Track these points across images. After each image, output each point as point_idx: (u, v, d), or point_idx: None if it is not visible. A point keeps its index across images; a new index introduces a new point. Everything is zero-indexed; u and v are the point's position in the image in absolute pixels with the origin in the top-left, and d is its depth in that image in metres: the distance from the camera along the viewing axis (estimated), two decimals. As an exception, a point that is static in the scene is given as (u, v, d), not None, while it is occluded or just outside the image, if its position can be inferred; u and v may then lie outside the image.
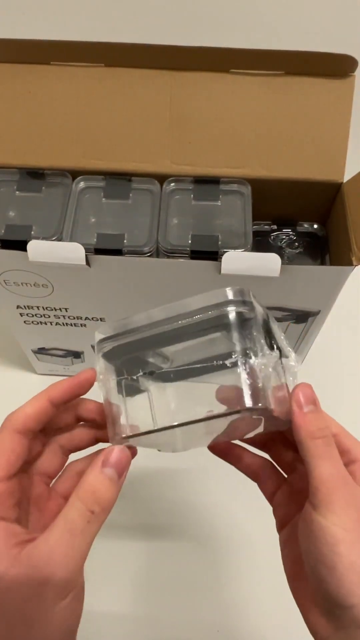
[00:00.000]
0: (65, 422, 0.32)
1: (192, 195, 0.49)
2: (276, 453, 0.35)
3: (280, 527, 0.33)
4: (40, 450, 0.32)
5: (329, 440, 0.28)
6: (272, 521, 0.34)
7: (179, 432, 0.29)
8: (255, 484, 0.36)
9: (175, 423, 0.28)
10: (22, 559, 0.24)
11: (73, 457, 0.34)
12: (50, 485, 0.32)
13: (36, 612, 0.25)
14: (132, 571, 0.54)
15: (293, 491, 0.33)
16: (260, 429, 0.31)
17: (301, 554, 0.29)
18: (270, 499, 0.35)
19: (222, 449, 0.35)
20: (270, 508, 0.35)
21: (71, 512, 0.25)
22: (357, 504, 0.27)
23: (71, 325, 0.54)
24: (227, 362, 0.28)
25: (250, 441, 0.35)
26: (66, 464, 0.33)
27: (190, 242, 0.47)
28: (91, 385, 0.31)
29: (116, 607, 0.52)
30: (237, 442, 0.35)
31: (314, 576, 0.27)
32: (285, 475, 0.35)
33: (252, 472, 0.35)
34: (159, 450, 0.34)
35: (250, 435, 0.32)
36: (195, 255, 0.46)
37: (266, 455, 0.36)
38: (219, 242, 0.46)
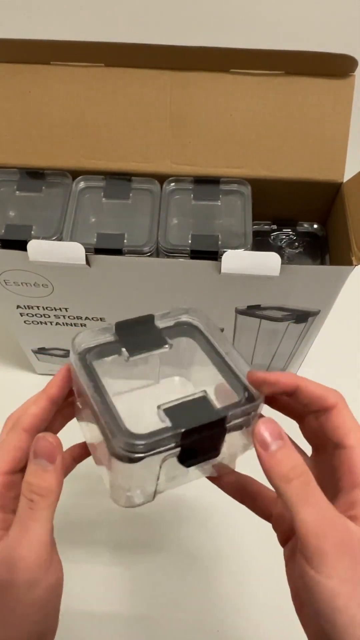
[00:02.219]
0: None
1: (192, 195, 0.49)
2: None
3: (284, 540, 0.31)
4: None
5: (306, 479, 0.26)
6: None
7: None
8: None
9: None
10: (0, 550, 0.27)
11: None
12: None
13: (11, 601, 0.26)
14: (132, 571, 0.54)
15: None
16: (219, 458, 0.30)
17: None
18: (266, 515, 0.33)
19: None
20: None
21: (19, 505, 0.27)
22: (349, 548, 0.25)
23: (71, 325, 0.54)
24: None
25: None
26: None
27: (190, 242, 0.47)
28: None
29: (116, 607, 0.52)
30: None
31: (316, 625, 0.26)
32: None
33: (245, 496, 0.33)
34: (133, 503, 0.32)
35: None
36: (195, 255, 0.46)
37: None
38: (219, 242, 0.46)
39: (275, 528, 0.32)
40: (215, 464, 0.31)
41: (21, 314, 0.52)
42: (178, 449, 0.27)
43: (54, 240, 0.46)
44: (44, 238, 0.46)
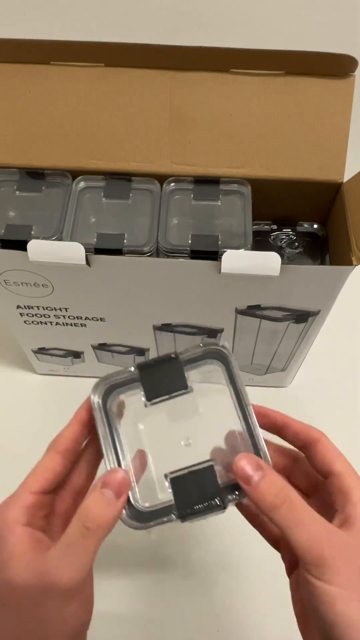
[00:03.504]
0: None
1: (192, 195, 0.49)
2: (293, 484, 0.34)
3: (290, 570, 0.33)
4: (71, 467, 0.33)
5: (291, 503, 0.27)
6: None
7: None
8: None
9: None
10: (35, 565, 0.27)
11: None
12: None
13: (43, 614, 0.27)
14: (133, 571, 0.54)
15: None
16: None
17: None
18: (275, 544, 0.34)
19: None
20: None
21: (70, 528, 0.27)
22: (346, 555, 0.27)
23: (71, 325, 0.54)
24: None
25: None
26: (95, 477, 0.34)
27: (190, 242, 0.47)
28: None
29: (116, 607, 0.52)
30: None
31: (319, 630, 0.28)
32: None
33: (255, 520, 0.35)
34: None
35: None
36: (195, 255, 0.46)
37: None
38: (219, 242, 0.46)
39: (283, 558, 0.34)
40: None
41: (21, 314, 0.52)
42: (179, 520, 0.29)
43: (54, 240, 0.46)
44: (44, 238, 0.46)
